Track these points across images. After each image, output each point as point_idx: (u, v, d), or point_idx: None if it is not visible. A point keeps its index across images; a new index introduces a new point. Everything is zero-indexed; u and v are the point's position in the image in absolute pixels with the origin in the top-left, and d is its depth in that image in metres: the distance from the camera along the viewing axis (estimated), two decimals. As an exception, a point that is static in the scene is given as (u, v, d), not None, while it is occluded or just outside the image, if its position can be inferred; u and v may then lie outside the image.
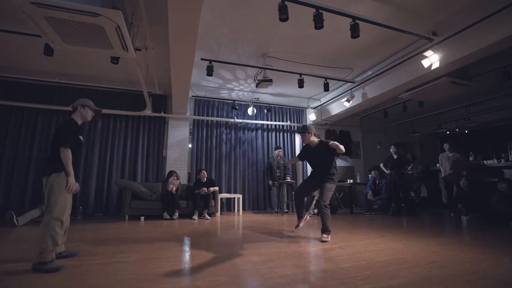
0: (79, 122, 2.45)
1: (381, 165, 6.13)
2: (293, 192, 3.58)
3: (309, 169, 7.07)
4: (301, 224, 3.53)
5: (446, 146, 5.99)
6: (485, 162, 6.74)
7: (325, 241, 3.02)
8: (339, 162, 7.53)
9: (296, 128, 7.33)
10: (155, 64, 4.43)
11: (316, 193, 3.88)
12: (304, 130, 3.33)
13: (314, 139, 3.35)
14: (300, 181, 7.05)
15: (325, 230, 3.12)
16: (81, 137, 2.42)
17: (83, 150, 5.40)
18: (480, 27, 3.28)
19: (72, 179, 2.20)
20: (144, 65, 4.66)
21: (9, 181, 4.91)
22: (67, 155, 2.19)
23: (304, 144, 3.49)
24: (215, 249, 2.63)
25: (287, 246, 2.79)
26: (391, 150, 5.99)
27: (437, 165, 6.45)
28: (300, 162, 7.13)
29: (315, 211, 5.45)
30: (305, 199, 3.37)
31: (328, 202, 3.15)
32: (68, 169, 2.18)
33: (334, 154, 3.26)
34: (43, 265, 1.99)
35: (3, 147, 5.00)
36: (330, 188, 3.19)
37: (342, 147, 2.98)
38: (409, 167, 5.86)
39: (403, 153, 6.54)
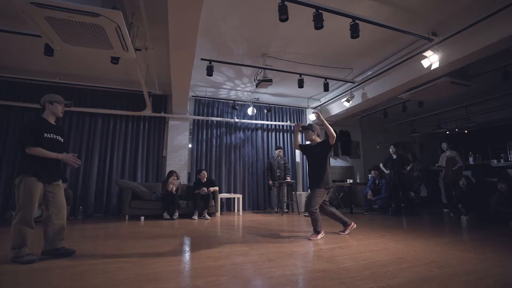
0: (51, 120, 2.40)
1: (381, 165, 6.13)
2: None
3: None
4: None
5: (444, 145, 6.00)
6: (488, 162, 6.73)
7: (311, 240, 3.10)
8: (339, 162, 7.54)
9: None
10: (155, 64, 4.43)
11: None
12: (308, 127, 3.44)
13: (317, 139, 3.45)
14: (300, 180, 7.06)
15: (314, 230, 3.24)
16: (51, 135, 2.33)
17: (83, 149, 5.40)
18: (480, 27, 3.28)
19: (64, 158, 2.26)
20: (144, 65, 4.66)
21: (9, 181, 4.92)
22: (39, 151, 2.20)
23: (306, 142, 3.59)
24: (215, 249, 2.63)
25: (287, 246, 2.79)
26: (391, 150, 5.99)
27: (436, 165, 6.45)
28: (299, 163, 7.13)
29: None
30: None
31: (315, 208, 3.19)
32: (53, 156, 2.22)
33: (328, 152, 3.30)
34: (20, 258, 2.12)
35: (3, 147, 5.00)
36: (319, 193, 3.23)
37: (330, 130, 3.13)
38: (409, 167, 5.86)
39: (403, 153, 6.54)
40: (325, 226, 3.62)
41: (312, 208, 3.18)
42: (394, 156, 5.92)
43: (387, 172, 5.99)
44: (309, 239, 3.11)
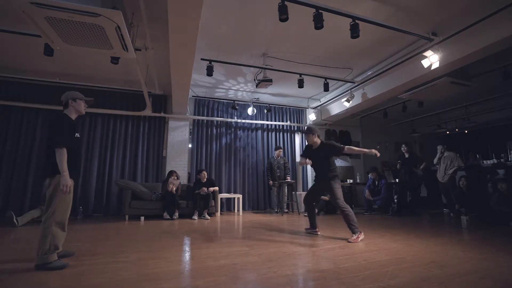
0: (73, 117, 2.37)
1: (398, 165, 6.11)
2: (303, 199, 3.70)
3: (309, 169, 7.09)
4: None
5: (439, 147, 5.98)
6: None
7: (354, 242, 2.91)
8: (339, 162, 7.53)
9: (296, 128, 7.34)
10: (155, 64, 4.42)
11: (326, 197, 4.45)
12: (308, 131, 3.52)
13: (318, 140, 3.50)
14: (300, 181, 7.07)
15: (352, 231, 3.04)
16: (77, 134, 2.32)
17: (83, 149, 5.40)
18: (480, 27, 3.28)
19: (65, 180, 2.09)
20: (144, 65, 4.66)
21: (9, 181, 4.91)
22: (63, 156, 2.10)
23: (307, 144, 3.63)
24: (215, 249, 2.63)
25: (287, 246, 2.79)
26: (402, 149, 5.96)
27: (434, 161, 6.38)
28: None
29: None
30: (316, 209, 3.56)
31: (343, 202, 3.14)
32: (62, 170, 2.09)
33: (333, 155, 3.45)
34: (47, 264, 2.00)
35: (3, 147, 5.00)
36: (337, 186, 3.26)
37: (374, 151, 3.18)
38: (422, 166, 5.82)
39: (415, 152, 6.49)
40: (324, 228, 3.62)
41: (342, 204, 3.11)
42: (406, 155, 5.89)
43: (398, 167, 5.99)
44: (349, 241, 2.93)
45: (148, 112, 5.70)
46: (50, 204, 2.10)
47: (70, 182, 2.12)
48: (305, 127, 3.74)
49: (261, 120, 6.88)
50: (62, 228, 2.13)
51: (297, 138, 7.36)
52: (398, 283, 1.73)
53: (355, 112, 6.68)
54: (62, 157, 2.10)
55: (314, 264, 2.17)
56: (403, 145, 5.96)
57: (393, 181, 6.35)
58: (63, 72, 5.10)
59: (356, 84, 5.33)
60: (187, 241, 3.04)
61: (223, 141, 6.54)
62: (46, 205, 2.12)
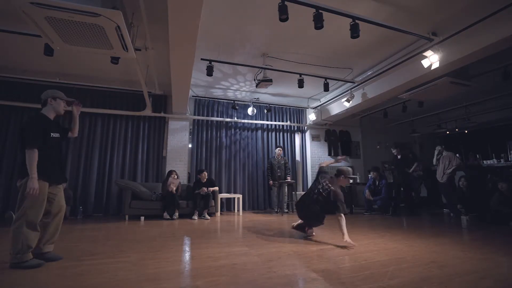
0: (51, 117, 2.29)
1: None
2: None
3: (309, 170, 7.11)
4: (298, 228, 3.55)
5: (437, 148, 6.01)
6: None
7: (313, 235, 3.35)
8: (339, 162, 7.52)
9: (296, 128, 7.34)
10: (155, 64, 4.42)
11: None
12: (339, 174, 3.60)
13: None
14: (300, 181, 7.07)
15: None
16: (54, 134, 2.24)
17: (83, 150, 5.40)
18: (480, 27, 3.28)
19: (32, 183, 1.99)
20: (144, 65, 4.66)
21: (9, 181, 4.91)
22: (32, 157, 2.02)
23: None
24: (215, 249, 2.63)
25: (287, 246, 2.79)
26: (393, 152, 6.02)
27: (433, 161, 6.37)
28: (299, 162, 7.17)
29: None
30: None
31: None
32: (30, 173, 2.00)
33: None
34: (22, 263, 1.99)
35: (3, 147, 5.00)
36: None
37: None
38: (413, 167, 5.86)
39: (406, 152, 6.55)
40: (324, 228, 3.63)
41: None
42: (398, 156, 5.97)
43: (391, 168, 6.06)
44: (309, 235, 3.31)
45: (148, 112, 5.70)
46: (21, 205, 2.04)
47: (37, 185, 2.02)
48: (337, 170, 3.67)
49: (261, 120, 6.88)
50: (34, 228, 2.07)
51: (297, 138, 7.36)
52: (398, 283, 1.73)
53: (355, 112, 6.68)
54: (32, 158, 2.02)
55: (314, 264, 2.17)
56: (392, 148, 6.09)
57: (393, 181, 6.35)
58: (63, 72, 5.10)
59: (356, 84, 5.33)
60: (187, 241, 3.04)
61: (223, 141, 6.54)
62: (17, 205, 2.06)
